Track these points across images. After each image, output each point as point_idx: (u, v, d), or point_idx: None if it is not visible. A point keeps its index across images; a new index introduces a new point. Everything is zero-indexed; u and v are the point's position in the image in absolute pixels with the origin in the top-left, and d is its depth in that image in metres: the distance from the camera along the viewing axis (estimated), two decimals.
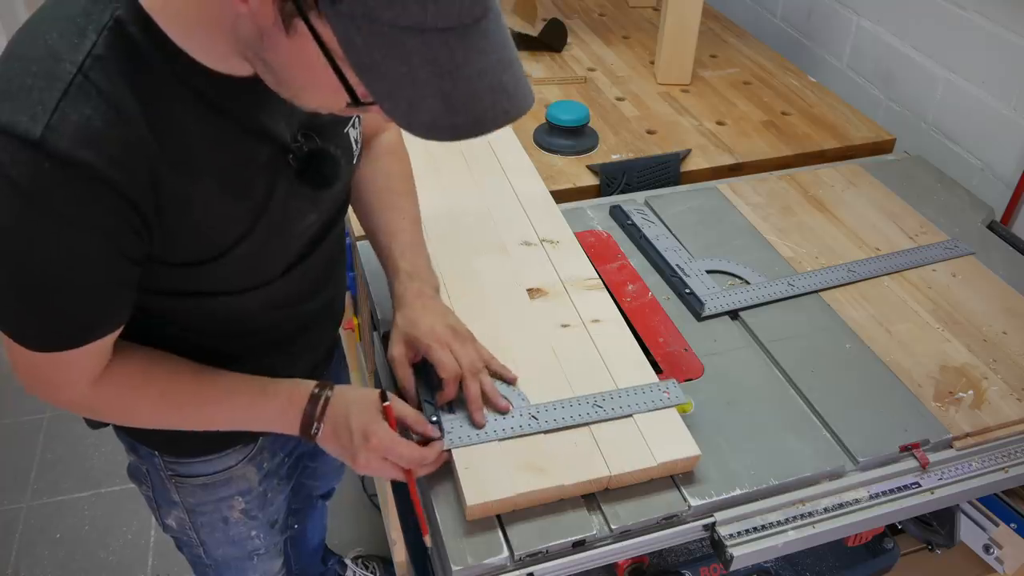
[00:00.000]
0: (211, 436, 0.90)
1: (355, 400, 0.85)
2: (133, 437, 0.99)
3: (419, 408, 0.91)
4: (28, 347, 0.72)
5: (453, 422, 0.88)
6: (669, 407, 0.91)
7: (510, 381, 0.93)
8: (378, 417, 0.84)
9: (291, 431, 0.86)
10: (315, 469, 1.33)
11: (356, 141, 0.89)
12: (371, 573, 1.83)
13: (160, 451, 0.99)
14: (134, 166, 0.64)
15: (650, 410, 0.90)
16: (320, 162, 0.78)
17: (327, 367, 1.10)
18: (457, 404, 0.90)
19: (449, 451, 0.85)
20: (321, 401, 0.85)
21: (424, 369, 0.92)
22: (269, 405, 0.86)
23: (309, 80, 0.63)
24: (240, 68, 0.68)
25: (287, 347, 0.95)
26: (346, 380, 1.31)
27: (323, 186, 0.80)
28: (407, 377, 0.91)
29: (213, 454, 1.00)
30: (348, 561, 1.79)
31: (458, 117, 0.58)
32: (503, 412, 0.89)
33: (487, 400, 0.89)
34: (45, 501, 1.98)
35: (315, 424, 0.85)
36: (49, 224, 0.63)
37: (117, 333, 0.76)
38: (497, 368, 0.93)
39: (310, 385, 0.86)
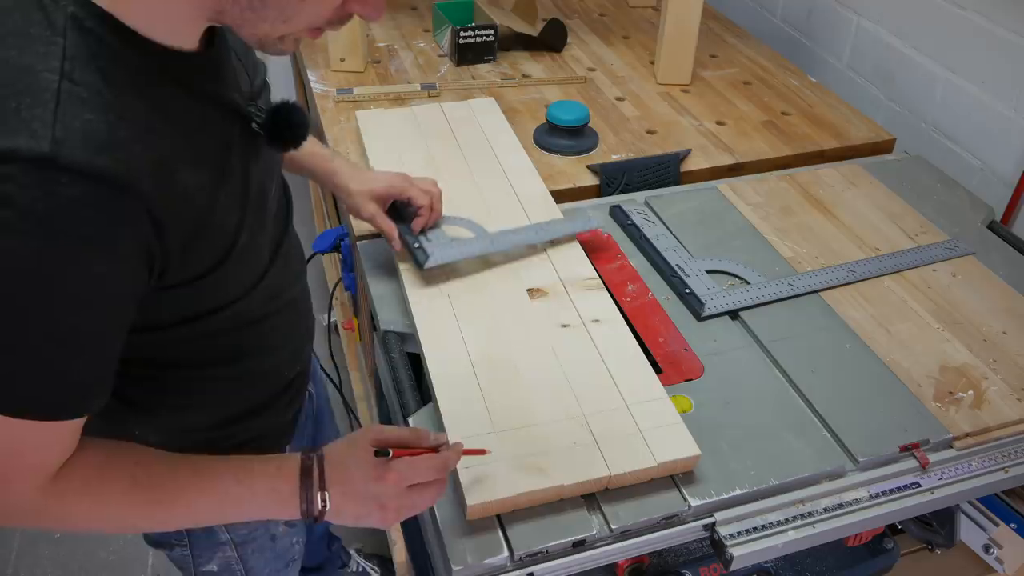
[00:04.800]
0: None
1: (348, 455, 0.76)
2: None
3: (406, 246, 1.07)
4: (11, 411, 0.61)
5: (432, 246, 1.06)
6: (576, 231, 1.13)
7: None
8: (380, 460, 0.75)
9: (286, 513, 0.75)
10: None
11: None
12: (374, 566, 1.83)
13: None
14: (147, 166, 0.60)
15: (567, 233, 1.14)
16: (289, 116, 0.75)
17: (310, 347, 1.05)
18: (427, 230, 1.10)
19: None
20: (316, 469, 0.74)
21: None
22: (258, 485, 0.74)
23: None
24: (190, 37, 0.65)
25: (284, 340, 0.92)
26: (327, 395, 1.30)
27: (300, 139, 0.77)
28: (392, 227, 1.07)
29: None
30: (353, 551, 1.80)
31: None
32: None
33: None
34: None
35: (319, 498, 0.74)
36: (73, 253, 0.57)
37: (84, 420, 0.67)
38: None
39: (297, 457, 0.76)
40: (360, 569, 1.82)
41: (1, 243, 0.54)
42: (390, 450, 0.75)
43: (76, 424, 0.66)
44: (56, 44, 0.58)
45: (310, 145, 1.07)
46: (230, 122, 0.72)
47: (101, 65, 0.59)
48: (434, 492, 0.77)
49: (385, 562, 1.86)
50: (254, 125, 0.74)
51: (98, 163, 0.56)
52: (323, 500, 0.74)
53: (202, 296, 0.73)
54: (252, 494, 0.74)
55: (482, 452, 0.84)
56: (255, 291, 0.80)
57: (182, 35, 0.65)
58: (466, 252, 1.08)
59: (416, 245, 1.07)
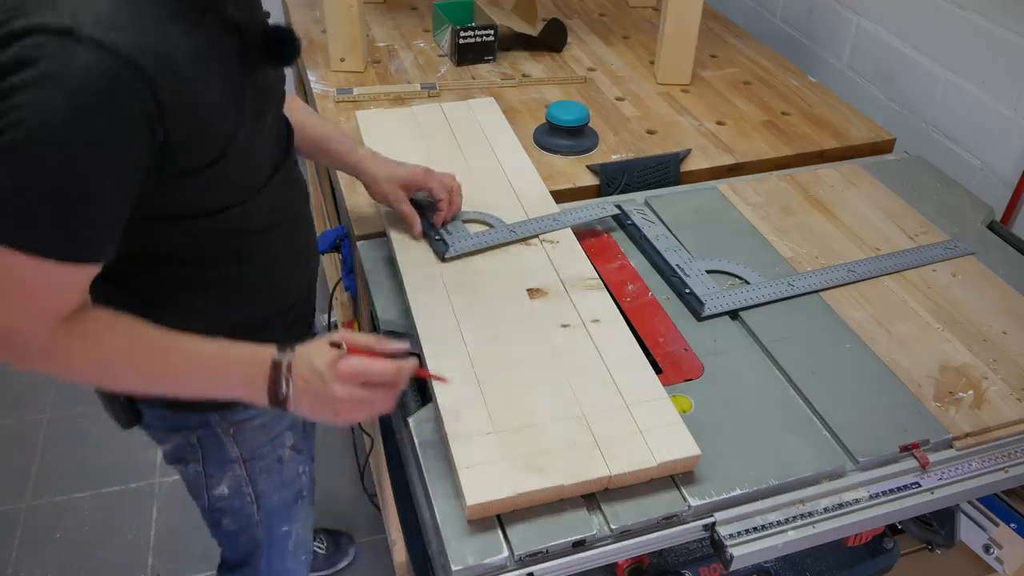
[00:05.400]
0: None
1: (313, 348, 0.84)
2: (180, 409, 0.99)
3: (425, 235, 1.13)
4: (30, 249, 0.69)
5: (452, 237, 1.12)
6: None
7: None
8: (339, 352, 0.82)
9: (255, 395, 0.83)
10: None
11: None
12: (319, 541, 1.83)
13: (215, 407, 1.01)
14: (152, 51, 0.69)
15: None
16: (284, 36, 0.85)
17: (314, 278, 1.12)
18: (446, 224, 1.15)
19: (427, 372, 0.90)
20: (285, 359, 0.83)
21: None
22: (233, 361, 0.84)
23: None
24: None
25: (287, 254, 0.99)
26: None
27: (292, 58, 0.87)
28: (414, 213, 1.13)
29: None
30: None
31: None
32: None
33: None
34: (45, 501, 1.98)
35: (284, 383, 0.82)
36: (88, 110, 0.66)
37: (98, 270, 0.76)
38: None
39: (271, 347, 0.84)
40: None
41: (24, 96, 0.65)
42: (343, 343, 0.82)
43: (85, 274, 0.75)
44: None
45: (332, 130, 1.15)
46: (229, 36, 0.80)
47: None
48: (385, 395, 0.83)
49: (332, 534, 1.86)
50: (251, 42, 0.82)
51: (110, 37, 0.67)
52: (287, 383, 0.82)
53: (203, 190, 0.82)
54: (232, 364, 0.84)
55: (440, 379, 0.89)
56: (258, 198, 0.88)
57: None
58: (485, 242, 1.12)
59: (436, 237, 1.12)
